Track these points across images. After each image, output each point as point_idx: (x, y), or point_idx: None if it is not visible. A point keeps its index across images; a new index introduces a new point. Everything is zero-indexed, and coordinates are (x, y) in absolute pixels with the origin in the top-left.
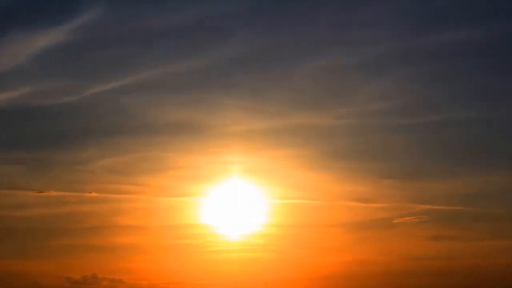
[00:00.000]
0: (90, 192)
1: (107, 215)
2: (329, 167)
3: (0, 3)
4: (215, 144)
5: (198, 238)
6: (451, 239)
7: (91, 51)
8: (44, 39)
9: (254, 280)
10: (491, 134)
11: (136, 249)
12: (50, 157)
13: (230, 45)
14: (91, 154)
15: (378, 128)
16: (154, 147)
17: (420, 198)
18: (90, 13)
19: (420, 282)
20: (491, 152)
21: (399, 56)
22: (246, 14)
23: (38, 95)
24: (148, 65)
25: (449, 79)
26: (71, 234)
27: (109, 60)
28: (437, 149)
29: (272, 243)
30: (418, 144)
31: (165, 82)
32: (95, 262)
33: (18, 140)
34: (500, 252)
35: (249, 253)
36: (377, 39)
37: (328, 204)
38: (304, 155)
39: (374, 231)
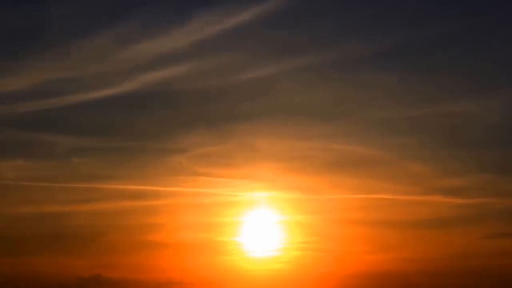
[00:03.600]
0: (165, 186)
1: (175, 210)
2: (442, 158)
3: None
4: (339, 133)
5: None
6: None
7: (265, 33)
8: (222, 21)
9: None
10: None
11: (192, 247)
12: (146, 147)
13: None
14: (190, 143)
15: None
16: (267, 134)
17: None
18: None
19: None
20: None
21: None
22: None
23: (185, 78)
24: (318, 46)
25: None
26: (122, 231)
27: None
28: None
29: (328, 240)
30: None
31: (330, 64)
32: (130, 261)
33: (125, 127)
34: None
35: (312, 251)
36: None
37: (415, 199)
38: (419, 145)
39: (451, 228)
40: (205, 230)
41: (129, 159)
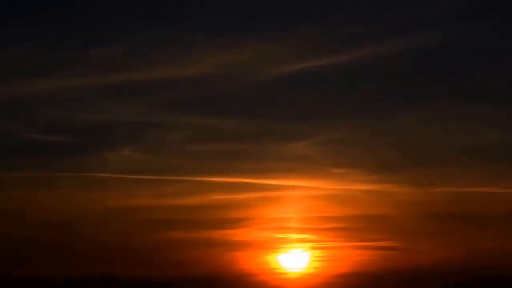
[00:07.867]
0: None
1: (259, 206)
2: None
3: None
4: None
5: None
6: None
7: None
8: None
9: None
10: None
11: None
12: (274, 130)
13: None
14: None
15: None
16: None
17: None
18: None
19: None
20: None
21: None
22: None
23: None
24: None
25: None
26: (189, 227)
27: None
28: None
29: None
30: None
31: None
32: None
33: (273, 108)
34: None
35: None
36: None
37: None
38: None
39: None
40: (277, 227)
41: (248, 146)
